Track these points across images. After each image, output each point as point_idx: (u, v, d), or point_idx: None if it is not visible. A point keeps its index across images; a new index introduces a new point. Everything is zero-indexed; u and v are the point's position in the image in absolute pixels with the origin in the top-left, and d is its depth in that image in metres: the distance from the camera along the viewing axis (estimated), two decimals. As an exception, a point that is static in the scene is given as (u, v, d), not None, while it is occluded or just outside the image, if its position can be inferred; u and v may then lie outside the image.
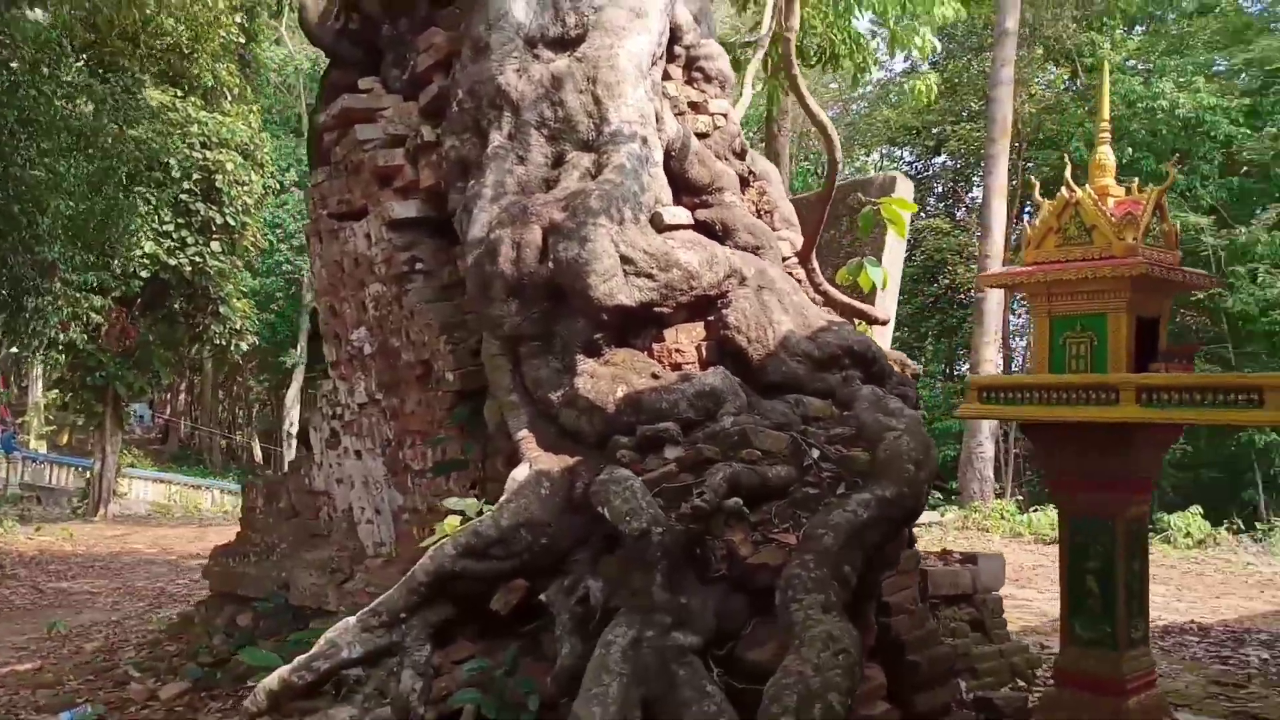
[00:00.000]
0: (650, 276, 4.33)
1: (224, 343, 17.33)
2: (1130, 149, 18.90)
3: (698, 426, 4.25)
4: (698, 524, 3.79)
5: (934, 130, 24.95)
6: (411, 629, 4.12)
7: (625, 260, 4.29)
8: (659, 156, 4.67)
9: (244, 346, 18.24)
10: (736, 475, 3.89)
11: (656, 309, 4.39)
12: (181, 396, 35.31)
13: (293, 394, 24.98)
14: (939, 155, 26.61)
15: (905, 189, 6.79)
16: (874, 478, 3.92)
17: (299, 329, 24.79)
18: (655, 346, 4.51)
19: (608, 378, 4.33)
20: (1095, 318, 5.22)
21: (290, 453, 19.76)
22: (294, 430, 21.75)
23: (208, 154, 15.48)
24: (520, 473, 4.25)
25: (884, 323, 6.00)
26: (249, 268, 18.48)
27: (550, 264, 4.28)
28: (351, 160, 5.56)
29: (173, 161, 14.70)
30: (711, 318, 4.58)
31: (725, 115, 5.40)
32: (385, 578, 5.37)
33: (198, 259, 15.79)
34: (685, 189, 4.98)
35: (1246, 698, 5.74)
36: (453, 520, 4.42)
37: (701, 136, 5.24)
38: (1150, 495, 5.57)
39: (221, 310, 16.75)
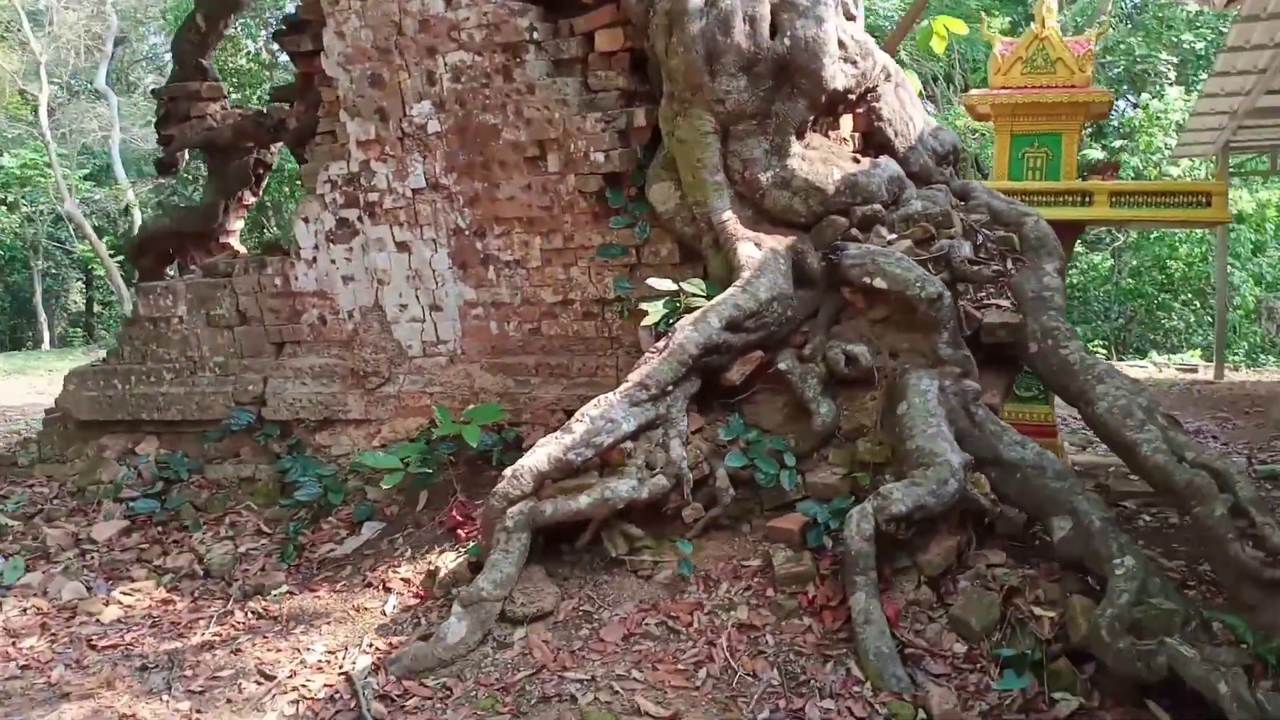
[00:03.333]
0: (854, 63, 4.56)
1: None
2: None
3: (889, 208, 4.66)
4: (952, 289, 4.30)
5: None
6: (676, 401, 4.16)
7: (840, 45, 4.47)
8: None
9: None
10: (961, 248, 4.43)
11: (849, 95, 4.63)
12: None
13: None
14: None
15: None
16: (1036, 252, 4.68)
17: None
18: (830, 134, 4.77)
19: (818, 160, 4.54)
20: (1052, 136, 6.41)
21: None
22: None
23: None
24: (749, 250, 4.36)
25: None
26: None
27: (786, 40, 4.31)
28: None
29: None
30: (861, 109, 4.92)
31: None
32: (453, 375, 5.12)
33: None
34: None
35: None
36: (657, 304, 4.44)
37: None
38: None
39: None
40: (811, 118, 4.51)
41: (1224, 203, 5.81)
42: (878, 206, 4.52)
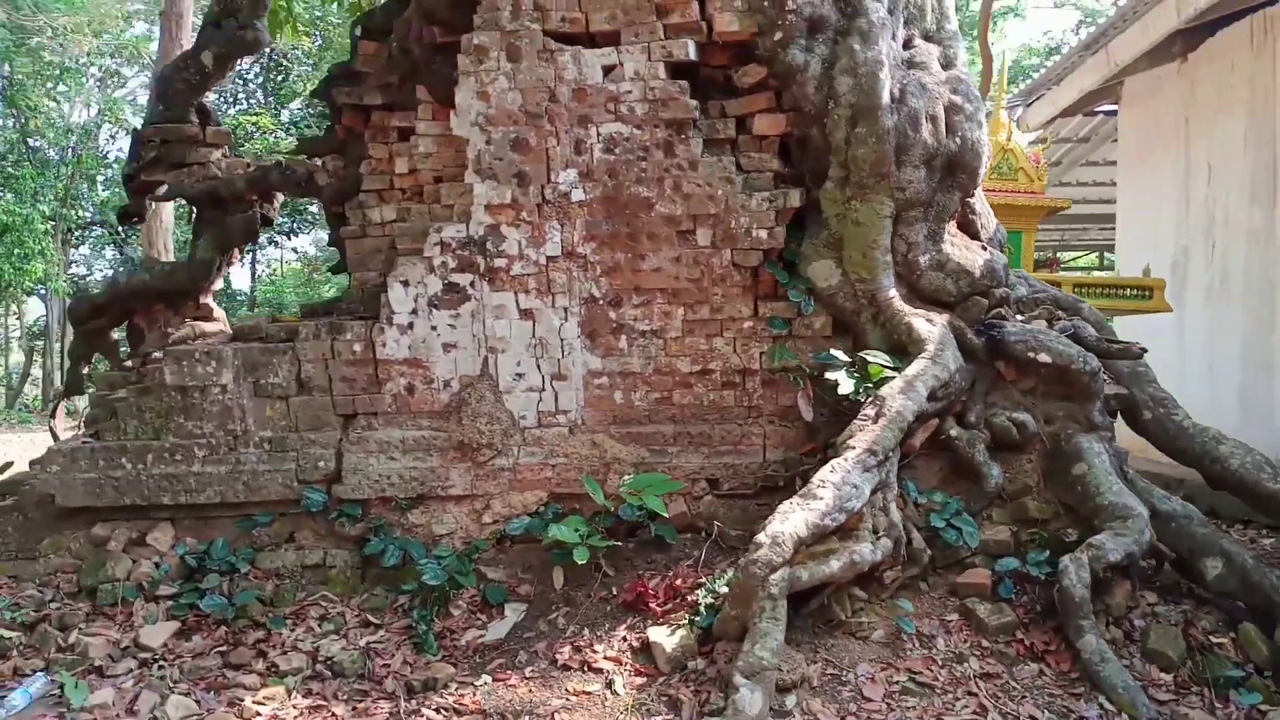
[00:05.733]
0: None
1: None
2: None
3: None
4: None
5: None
6: (893, 466, 4.40)
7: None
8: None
9: None
10: (1085, 329, 5.09)
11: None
12: None
13: None
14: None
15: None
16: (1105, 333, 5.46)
17: None
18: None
19: (963, 246, 5.03)
20: (1014, 234, 7.40)
21: None
22: None
23: None
24: (924, 325, 4.74)
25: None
26: None
27: (958, 139, 4.79)
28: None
29: None
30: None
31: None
32: (578, 446, 5.08)
33: None
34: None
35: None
36: (841, 373, 4.69)
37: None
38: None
39: None
40: (962, 209, 5.01)
41: (1162, 295, 7.01)
42: (1008, 289, 5.07)
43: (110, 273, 23.98)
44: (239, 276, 33.40)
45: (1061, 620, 4.24)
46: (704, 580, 4.58)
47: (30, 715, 4.13)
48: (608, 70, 4.88)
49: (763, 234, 4.92)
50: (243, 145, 23.12)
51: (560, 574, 4.89)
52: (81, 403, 11.52)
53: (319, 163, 5.86)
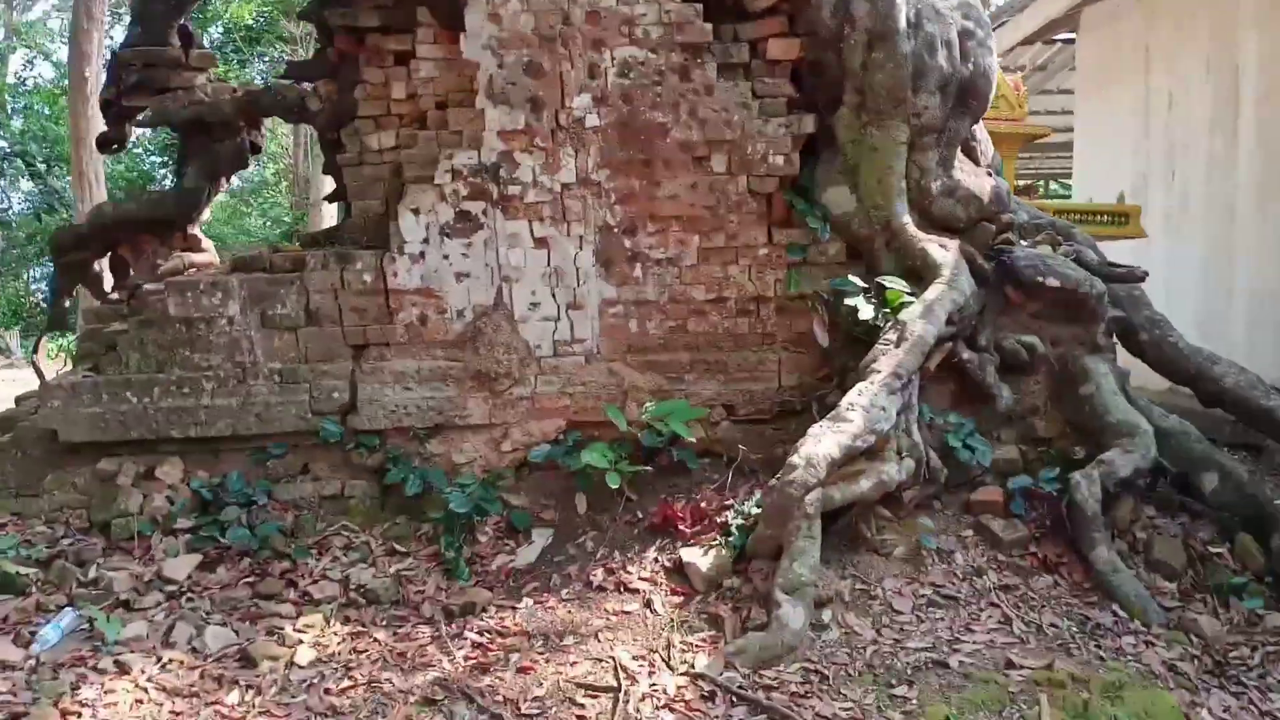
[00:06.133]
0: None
1: None
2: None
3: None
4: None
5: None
6: (913, 388, 4.54)
7: (989, 72, 5.10)
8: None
9: None
10: (1087, 252, 5.24)
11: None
12: None
13: None
14: None
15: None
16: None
17: None
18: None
19: (971, 173, 5.13)
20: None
21: None
22: None
23: None
24: (938, 251, 4.85)
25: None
26: None
27: (970, 64, 4.84)
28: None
29: None
30: (971, 128, 5.56)
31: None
32: (595, 374, 5.13)
33: None
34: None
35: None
36: (859, 299, 4.79)
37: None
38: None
39: None
40: (969, 134, 5.09)
41: (1138, 221, 7.23)
42: (1012, 215, 5.19)
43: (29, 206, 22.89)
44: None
45: (1073, 534, 4.46)
46: (729, 503, 4.69)
47: (64, 650, 4.10)
48: (623, -8, 4.81)
49: (779, 160, 4.95)
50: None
51: (584, 499, 4.96)
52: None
53: (309, 88, 5.69)
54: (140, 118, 5.79)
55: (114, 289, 6.07)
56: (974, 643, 3.95)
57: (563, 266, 5.07)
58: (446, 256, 5.07)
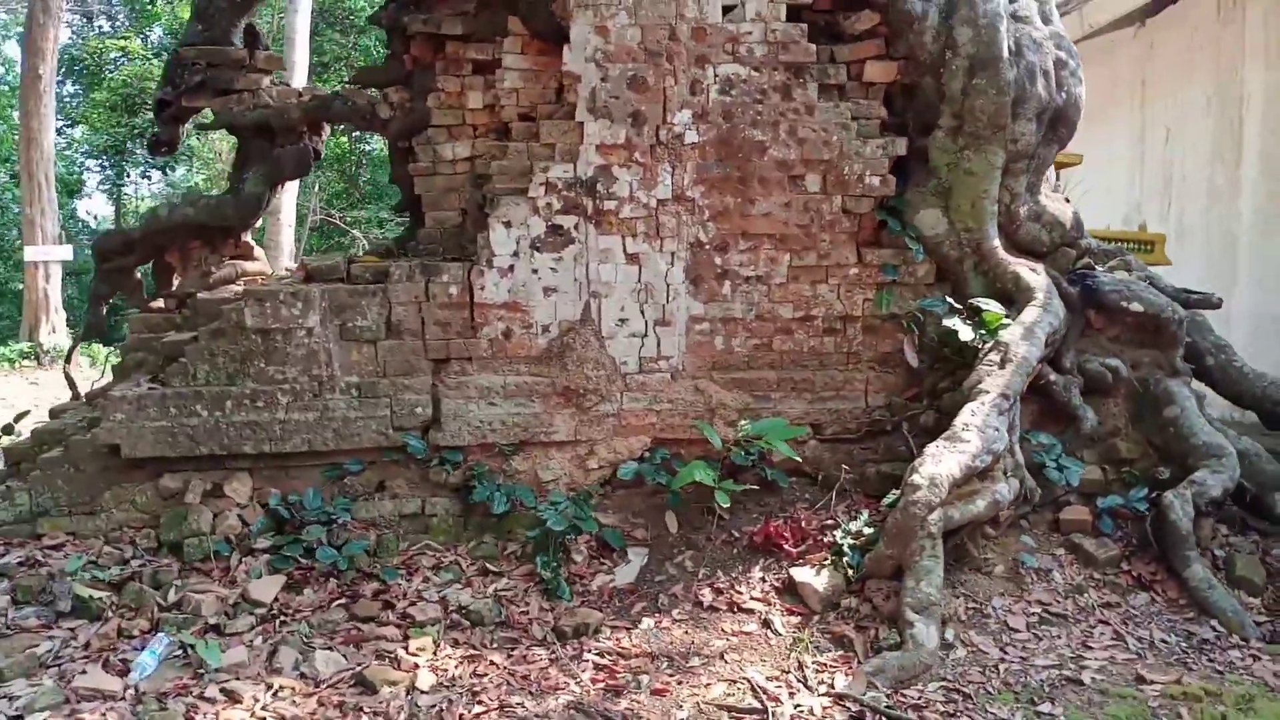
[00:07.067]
0: (1073, 119, 5.33)
1: None
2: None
3: (1074, 242, 5.47)
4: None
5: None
6: (1015, 409, 4.59)
7: (1068, 101, 5.22)
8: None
9: None
10: (1160, 279, 5.38)
11: (1058, 147, 5.39)
12: None
13: None
14: None
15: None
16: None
17: None
18: (1033, 176, 5.46)
19: (1052, 198, 5.23)
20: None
21: None
22: None
23: None
24: (1029, 275, 4.93)
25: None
26: None
27: (1064, 94, 4.94)
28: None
29: None
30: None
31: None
32: (681, 392, 5.12)
33: None
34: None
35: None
36: (955, 320, 4.85)
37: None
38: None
39: None
40: (1052, 162, 5.20)
41: (1163, 249, 7.44)
42: (1089, 241, 5.31)
43: None
44: (100, 205, 31.29)
45: (1165, 551, 4.55)
46: (829, 522, 4.69)
47: (163, 678, 3.91)
48: (727, 10, 4.82)
49: (875, 181, 4.99)
50: (109, 73, 21.53)
51: (674, 517, 4.91)
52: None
53: (380, 95, 5.57)
54: (203, 120, 5.59)
55: (159, 296, 5.83)
56: (1097, 659, 4.01)
57: (653, 282, 5.03)
58: (535, 270, 4.99)
